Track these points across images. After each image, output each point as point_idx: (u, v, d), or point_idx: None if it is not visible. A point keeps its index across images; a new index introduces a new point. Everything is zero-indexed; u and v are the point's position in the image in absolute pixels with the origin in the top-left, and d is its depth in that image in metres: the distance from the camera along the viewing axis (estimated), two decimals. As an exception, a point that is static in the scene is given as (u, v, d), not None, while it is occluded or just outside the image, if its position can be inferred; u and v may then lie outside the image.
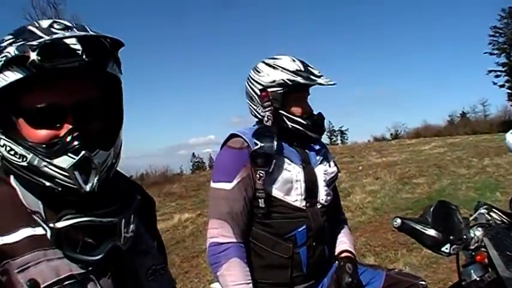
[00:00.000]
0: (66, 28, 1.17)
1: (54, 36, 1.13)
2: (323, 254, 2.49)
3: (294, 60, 2.45)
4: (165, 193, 17.95)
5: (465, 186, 11.04)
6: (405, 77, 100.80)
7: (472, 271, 1.97)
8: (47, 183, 1.15)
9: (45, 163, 1.14)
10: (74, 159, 1.13)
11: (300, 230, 2.37)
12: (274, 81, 2.40)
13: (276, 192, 2.35)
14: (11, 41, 1.15)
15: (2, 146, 1.16)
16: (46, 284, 1.09)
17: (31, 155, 1.13)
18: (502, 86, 56.89)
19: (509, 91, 56.25)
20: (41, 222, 1.14)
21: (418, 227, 1.92)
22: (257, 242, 2.38)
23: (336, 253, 2.57)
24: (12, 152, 1.15)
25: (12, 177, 1.20)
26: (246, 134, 2.41)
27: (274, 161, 2.32)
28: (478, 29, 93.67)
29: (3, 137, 1.15)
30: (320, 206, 2.47)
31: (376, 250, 6.76)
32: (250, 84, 2.49)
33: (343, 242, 2.61)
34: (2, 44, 1.15)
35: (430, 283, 5.16)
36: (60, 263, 1.13)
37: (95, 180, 1.15)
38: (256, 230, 2.38)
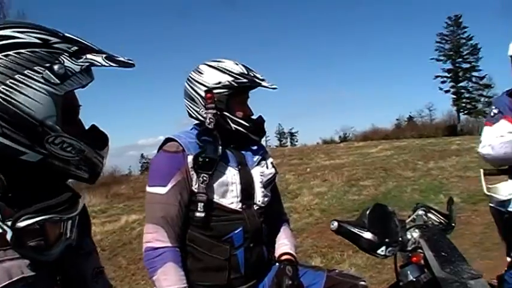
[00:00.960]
0: None
1: None
2: (261, 255, 2.48)
3: (237, 64, 2.45)
4: (112, 194, 17.72)
5: (410, 189, 11.33)
6: (355, 81, 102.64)
7: (408, 272, 2.01)
8: (86, 174, 1.32)
9: (95, 154, 1.31)
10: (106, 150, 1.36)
11: (236, 232, 2.36)
12: (219, 83, 2.39)
13: (212, 195, 2.34)
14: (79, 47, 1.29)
15: (57, 144, 1.22)
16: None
17: (89, 148, 1.28)
18: (447, 91, 58.93)
19: (454, 96, 58.11)
20: (1, 223, 1.13)
21: (355, 230, 1.94)
22: (194, 245, 2.36)
23: (277, 255, 2.56)
24: (69, 148, 1.24)
25: None
26: (181, 137, 2.39)
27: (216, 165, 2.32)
28: (425, 35, 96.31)
29: (65, 135, 1.23)
30: (257, 207, 2.46)
31: (323, 251, 6.84)
32: (191, 85, 2.46)
33: (284, 244, 2.60)
34: (73, 48, 1.27)
35: (375, 283, 5.28)
36: (12, 264, 1.11)
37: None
38: (193, 233, 2.36)
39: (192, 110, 2.48)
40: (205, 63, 2.48)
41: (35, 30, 1.22)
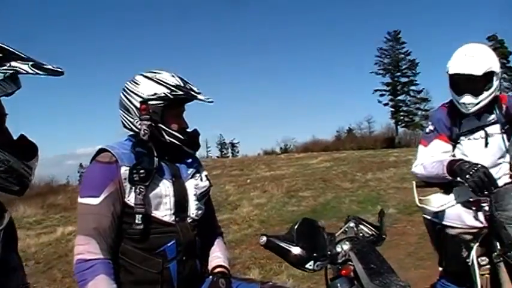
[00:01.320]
0: None
1: None
2: (194, 269, 2.45)
3: (173, 76, 2.42)
4: (48, 205, 17.21)
5: (348, 200, 11.55)
6: (296, 92, 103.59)
7: (338, 284, 2.01)
8: (14, 187, 1.32)
9: (22, 165, 1.32)
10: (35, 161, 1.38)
11: (169, 244, 2.32)
12: (155, 94, 2.35)
13: (146, 207, 2.30)
14: None
15: None
16: None
17: (14, 159, 1.29)
18: (386, 104, 60.77)
19: (393, 109, 59.90)
20: None
21: (283, 244, 1.93)
22: (126, 258, 2.31)
23: (210, 268, 2.54)
24: None
25: None
26: (114, 148, 2.34)
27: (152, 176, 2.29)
28: (366, 49, 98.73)
29: None
30: (190, 220, 2.43)
31: (261, 262, 6.83)
32: (127, 96, 2.41)
33: (217, 257, 2.58)
34: None
35: (312, 294, 5.32)
36: None
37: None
38: (125, 246, 2.31)
39: (126, 120, 2.43)
40: (141, 74, 2.44)
41: None
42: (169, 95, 2.35)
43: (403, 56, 60.17)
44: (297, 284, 5.74)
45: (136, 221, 2.25)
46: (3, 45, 1.24)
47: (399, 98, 60.53)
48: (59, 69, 1.29)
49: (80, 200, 2.31)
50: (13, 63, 1.24)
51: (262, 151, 55.96)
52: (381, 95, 60.75)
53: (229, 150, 73.89)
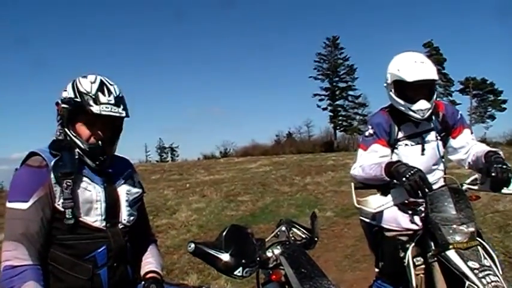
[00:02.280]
0: None
1: None
2: (125, 275, 2.43)
3: (93, 82, 2.35)
4: (-21, 212, 16.48)
5: (287, 203, 11.64)
6: (236, 97, 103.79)
7: (269, 289, 2.03)
8: None
9: None
10: None
11: (99, 250, 2.29)
12: (65, 98, 2.34)
13: (76, 212, 2.25)
14: None
15: None
16: None
17: None
18: (325, 108, 61.87)
19: (331, 114, 61.01)
20: None
21: (211, 251, 1.93)
22: (55, 264, 2.26)
23: (142, 274, 2.52)
24: None
25: None
26: (45, 152, 2.29)
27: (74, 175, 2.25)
28: (305, 53, 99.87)
29: None
30: (122, 226, 2.41)
31: (200, 267, 6.77)
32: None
33: (150, 263, 2.56)
34: None
35: (250, 298, 5.33)
36: None
37: None
38: (55, 252, 2.26)
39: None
40: (82, 76, 2.41)
41: None
42: (72, 100, 2.32)
43: (341, 61, 61.51)
44: (235, 288, 5.74)
45: (67, 216, 2.22)
46: None
47: (338, 102, 61.82)
48: None
49: (8, 204, 2.25)
50: None
51: (202, 155, 55.69)
52: (320, 100, 61.86)
53: (169, 154, 73.17)
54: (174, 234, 9.19)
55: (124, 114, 2.36)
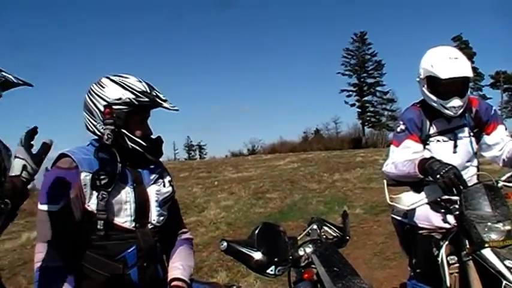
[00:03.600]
0: None
1: None
2: (156, 275, 2.44)
3: (140, 81, 2.39)
4: (12, 210, 16.77)
5: (315, 201, 11.58)
6: (263, 94, 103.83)
7: (301, 288, 2.00)
8: None
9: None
10: None
11: (129, 251, 2.30)
12: (120, 99, 2.31)
13: (107, 213, 2.27)
14: None
15: None
16: None
17: None
18: (353, 105, 61.41)
19: (359, 110, 60.57)
20: None
21: (244, 250, 1.91)
22: (86, 265, 2.29)
23: (168, 279, 2.49)
24: None
25: None
26: (75, 153, 2.31)
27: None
28: (332, 49, 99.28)
29: None
30: (151, 226, 2.41)
31: (229, 265, 6.79)
32: (92, 98, 2.37)
33: (177, 268, 2.52)
34: None
35: (280, 297, 5.31)
36: None
37: None
38: (86, 252, 2.29)
39: (90, 123, 2.40)
40: (108, 77, 2.40)
41: None
42: (134, 100, 2.32)
43: (369, 57, 61.12)
44: (264, 287, 5.72)
45: (98, 227, 2.24)
46: None
47: (366, 98, 61.38)
48: (30, 83, 1.58)
49: (39, 206, 2.28)
50: (3, 73, 1.46)
51: (230, 153, 55.92)
52: (348, 96, 61.55)
53: (197, 152, 73.64)
54: (203, 231, 9.22)
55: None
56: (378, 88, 61.43)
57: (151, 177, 2.47)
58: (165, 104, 2.38)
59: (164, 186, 2.53)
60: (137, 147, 2.36)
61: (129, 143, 2.35)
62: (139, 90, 2.34)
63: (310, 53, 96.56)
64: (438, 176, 2.67)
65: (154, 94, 2.37)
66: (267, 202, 11.93)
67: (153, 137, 2.47)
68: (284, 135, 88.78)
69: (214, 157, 47.25)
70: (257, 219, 9.85)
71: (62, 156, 2.34)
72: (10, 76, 1.48)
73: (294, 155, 29.40)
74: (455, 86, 3.02)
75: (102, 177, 2.24)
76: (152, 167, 2.50)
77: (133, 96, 2.32)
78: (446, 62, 3.01)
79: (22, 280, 7.49)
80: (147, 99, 2.33)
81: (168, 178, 2.59)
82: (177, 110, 2.42)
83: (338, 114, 79.47)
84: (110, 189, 2.25)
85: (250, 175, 18.34)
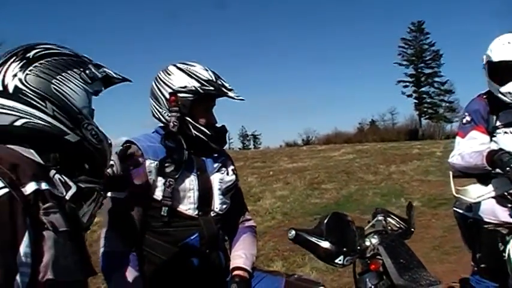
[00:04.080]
0: None
1: None
2: (218, 262, 2.46)
3: (206, 70, 2.40)
4: (74, 195, 17.34)
5: (372, 192, 11.45)
6: (318, 84, 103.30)
7: (367, 279, 1.99)
8: (102, 162, 1.64)
9: (107, 146, 1.62)
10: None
11: (192, 238, 2.33)
12: (185, 87, 2.34)
13: (171, 200, 2.31)
14: None
15: (89, 130, 1.53)
16: (61, 229, 1.35)
17: (106, 139, 1.60)
18: (409, 95, 60.17)
19: (416, 101, 59.30)
20: (68, 180, 1.47)
21: (312, 239, 1.91)
22: (150, 250, 2.34)
23: (231, 267, 2.51)
24: (95, 136, 1.55)
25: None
26: (140, 141, 2.35)
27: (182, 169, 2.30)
28: (388, 38, 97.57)
29: (94, 123, 1.56)
30: (214, 214, 2.43)
31: (284, 255, 6.80)
32: (158, 85, 2.40)
33: (239, 257, 2.53)
34: (93, 62, 1.64)
35: (335, 287, 5.28)
36: (59, 216, 1.36)
37: None
38: (149, 238, 2.34)
39: (155, 110, 2.44)
40: (174, 65, 2.43)
41: (66, 48, 1.59)
42: (199, 89, 2.33)
43: (427, 46, 59.66)
44: (320, 277, 5.71)
45: (162, 213, 2.28)
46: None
47: (423, 89, 60.10)
48: (129, 78, 1.71)
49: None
50: (105, 69, 1.62)
51: (284, 143, 55.91)
52: (405, 86, 60.37)
53: (251, 142, 73.96)
54: (258, 221, 9.24)
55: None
56: (436, 79, 60.06)
57: (215, 166, 2.49)
58: (230, 94, 2.39)
59: (227, 174, 2.55)
60: (201, 136, 2.38)
61: (193, 131, 2.37)
62: (205, 78, 2.35)
63: (366, 43, 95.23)
64: (508, 168, 2.59)
65: (220, 83, 2.38)
66: (323, 193, 11.87)
67: (217, 125, 2.48)
68: (339, 126, 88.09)
69: (269, 147, 47.38)
70: (313, 210, 9.84)
71: (127, 143, 2.38)
72: (111, 72, 1.61)
73: (349, 146, 29.15)
74: (509, 71, 2.92)
75: (168, 164, 2.29)
76: (216, 155, 2.52)
77: (199, 85, 2.33)
78: (502, 46, 2.94)
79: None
80: (212, 88, 2.34)
81: (231, 167, 2.61)
82: (242, 99, 2.42)
83: (394, 105, 77.95)
84: (176, 177, 2.28)
85: (305, 165, 18.29)
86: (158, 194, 2.29)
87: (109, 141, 1.62)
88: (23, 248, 1.23)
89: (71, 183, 1.46)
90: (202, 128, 2.38)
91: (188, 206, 2.35)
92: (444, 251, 6.63)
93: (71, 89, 1.49)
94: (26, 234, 1.24)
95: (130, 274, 2.21)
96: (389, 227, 2.20)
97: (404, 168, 15.46)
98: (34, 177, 1.33)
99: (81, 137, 1.51)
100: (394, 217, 2.26)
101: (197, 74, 2.36)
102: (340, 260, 1.90)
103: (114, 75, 1.64)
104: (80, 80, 1.53)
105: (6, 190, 1.25)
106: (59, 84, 1.47)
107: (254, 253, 2.61)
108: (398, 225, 2.24)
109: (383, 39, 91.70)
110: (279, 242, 7.46)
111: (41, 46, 1.52)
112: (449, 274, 5.47)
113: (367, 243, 2.03)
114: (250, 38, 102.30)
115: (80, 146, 1.51)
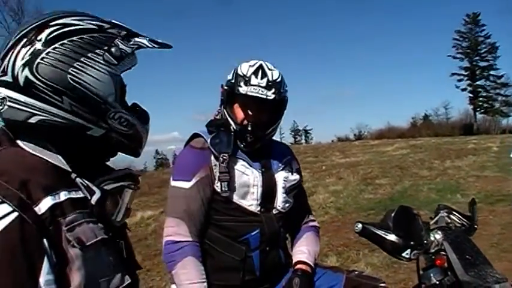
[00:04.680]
0: None
1: None
2: (277, 259, 2.46)
3: (253, 66, 2.40)
4: (127, 190, 17.71)
5: (426, 188, 11.24)
6: (370, 79, 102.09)
7: (431, 275, 1.98)
8: (135, 147, 1.43)
9: (142, 128, 1.41)
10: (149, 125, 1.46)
11: (253, 234, 2.34)
12: (228, 80, 2.42)
13: (232, 195, 2.34)
14: None
15: (116, 119, 1.33)
16: (89, 243, 1.21)
17: (139, 122, 1.39)
18: (464, 89, 58.67)
19: (471, 95, 57.78)
20: (91, 185, 1.30)
21: (379, 232, 1.92)
22: (211, 243, 2.37)
23: (293, 262, 2.51)
24: (125, 123, 1.35)
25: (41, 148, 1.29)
26: (206, 133, 2.40)
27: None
28: (443, 31, 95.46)
29: (122, 110, 1.34)
30: (276, 212, 2.44)
31: (339, 250, 6.79)
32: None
33: (302, 252, 2.53)
34: (122, 33, 1.37)
35: (390, 283, 5.21)
36: (93, 226, 1.25)
37: None
38: (211, 231, 2.37)
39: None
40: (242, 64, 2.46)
41: (88, 18, 1.34)
42: (230, 82, 2.41)
43: (482, 39, 58.01)
44: (375, 273, 5.67)
45: (223, 188, 2.29)
46: (122, 24, 1.39)
47: (478, 83, 58.49)
48: (168, 43, 1.43)
49: (172, 183, 2.38)
50: (136, 39, 1.37)
51: (336, 138, 55.52)
52: (459, 80, 58.93)
53: (303, 136, 73.81)
54: (312, 216, 9.25)
55: (272, 98, 2.33)
56: (492, 72, 58.35)
57: (280, 164, 2.50)
58: (242, 89, 2.36)
59: (292, 173, 2.55)
60: (231, 128, 2.42)
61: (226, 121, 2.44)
62: (241, 74, 2.38)
63: (420, 34, 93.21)
64: None
65: (257, 83, 2.34)
66: (377, 188, 11.76)
67: (250, 126, 2.41)
68: (391, 120, 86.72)
69: (320, 142, 47.16)
70: (367, 205, 9.77)
71: (196, 136, 2.44)
72: (145, 42, 1.37)
73: (403, 140, 28.70)
74: None
75: (219, 142, 2.33)
76: (282, 153, 2.55)
77: (231, 78, 2.42)
78: None
79: (137, 256, 7.88)
80: (236, 85, 2.37)
81: (296, 166, 2.61)
82: (267, 97, 2.35)
83: (448, 99, 76.30)
84: (229, 152, 2.31)
85: (358, 160, 18.15)
86: (221, 187, 2.31)
87: (143, 122, 1.43)
88: (43, 276, 1.10)
89: (94, 188, 1.29)
90: (230, 121, 2.42)
91: (251, 202, 2.37)
92: (503, 249, 6.46)
93: (92, 76, 1.27)
94: (45, 259, 1.11)
95: (193, 265, 2.24)
96: (452, 224, 2.18)
97: (459, 163, 15.13)
98: (50, 189, 1.19)
99: (107, 129, 1.33)
100: (456, 214, 2.24)
101: (237, 69, 2.43)
102: (407, 254, 1.90)
103: (150, 46, 1.39)
104: (103, 63, 1.30)
105: (15, 215, 1.11)
106: (77, 73, 1.26)
107: (317, 250, 2.61)
108: (460, 222, 2.22)
109: (438, 31, 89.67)
110: (332, 237, 7.45)
111: (57, 22, 1.28)
112: (508, 273, 5.29)
113: (432, 238, 2.02)
114: (299, 32, 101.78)
115: (106, 138, 1.34)
